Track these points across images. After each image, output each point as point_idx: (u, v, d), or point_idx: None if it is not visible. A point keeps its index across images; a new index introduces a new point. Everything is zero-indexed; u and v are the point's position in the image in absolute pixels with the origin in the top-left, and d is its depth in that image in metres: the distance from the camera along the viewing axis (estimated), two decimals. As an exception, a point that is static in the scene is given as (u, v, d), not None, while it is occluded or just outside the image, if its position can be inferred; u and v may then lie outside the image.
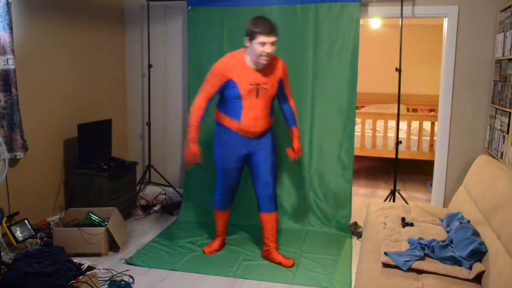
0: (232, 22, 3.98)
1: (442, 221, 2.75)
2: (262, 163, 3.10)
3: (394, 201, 3.84)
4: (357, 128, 5.37)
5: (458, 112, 3.81)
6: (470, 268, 2.12)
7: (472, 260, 2.14)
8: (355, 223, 3.85)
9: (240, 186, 4.21)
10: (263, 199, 3.15)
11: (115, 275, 2.93)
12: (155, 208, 4.31)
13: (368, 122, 5.58)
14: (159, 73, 4.56)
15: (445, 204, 3.92)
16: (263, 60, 2.86)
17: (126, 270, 3.02)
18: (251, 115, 2.96)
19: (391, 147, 5.34)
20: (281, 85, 3.07)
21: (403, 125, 5.47)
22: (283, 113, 3.23)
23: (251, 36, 2.84)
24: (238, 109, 2.95)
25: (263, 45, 2.80)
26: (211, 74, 2.94)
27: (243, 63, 2.93)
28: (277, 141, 3.55)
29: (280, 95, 3.16)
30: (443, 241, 2.32)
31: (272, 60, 3.00)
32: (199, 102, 2.96)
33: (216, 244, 3.37)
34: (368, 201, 4.38)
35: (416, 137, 5.31)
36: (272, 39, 2.81)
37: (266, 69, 2.96)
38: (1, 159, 2.80)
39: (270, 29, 2.80)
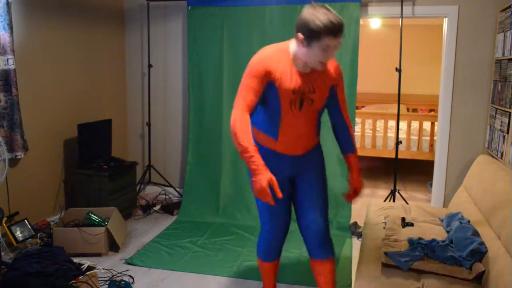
0: (232, 22, 3.98)
1: (442, 221, 2.75)
2: (309, 187, 2.28)
3: (394, 201, 3.84)
4: (357, 128, 5.38)
5: (458, 112, 3.81)
6: (470, 268, 2.11)
7: (472, 260, 2.14)
8: (355, 223, 3.85)
9: (240, 183, 4.21)
10: (313, 239, 2.30)
11: (115, 275, 2.93)
12: (155, 208, 4.31)
13: (368, 122, 5.58)
14: (159, 73, 4.56)
15: (445, 204, 3.92)
16: (319, 67, 2.06)
17: (126, 270, 3.03)
18: (292, 133, 2.17)
19: (391, 147, 5.34)
20: (333, 94, 2.23)
21: (403, 125, 5.47)
22: (335, 133, 2.35)
23: (312, 35, 1.94)
24: (274, 124, 2.16)
25: (327, 49, 1.97)
26: (250, 75, 2.06)
27: (290, 62, 2.10)
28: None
29: (332, 108, 2.28)
30: (443, 241, 2.32)
31: None
32: (241, 115, 2.01)
33: None
34: (368, 201, 4.37)
35: (416, 137, 5.31)
36: (339, 40, 1.99)
37: (315, 73, 2.13)
38: (1, 159, 2.81)
39: (340, 27, 1.95)
